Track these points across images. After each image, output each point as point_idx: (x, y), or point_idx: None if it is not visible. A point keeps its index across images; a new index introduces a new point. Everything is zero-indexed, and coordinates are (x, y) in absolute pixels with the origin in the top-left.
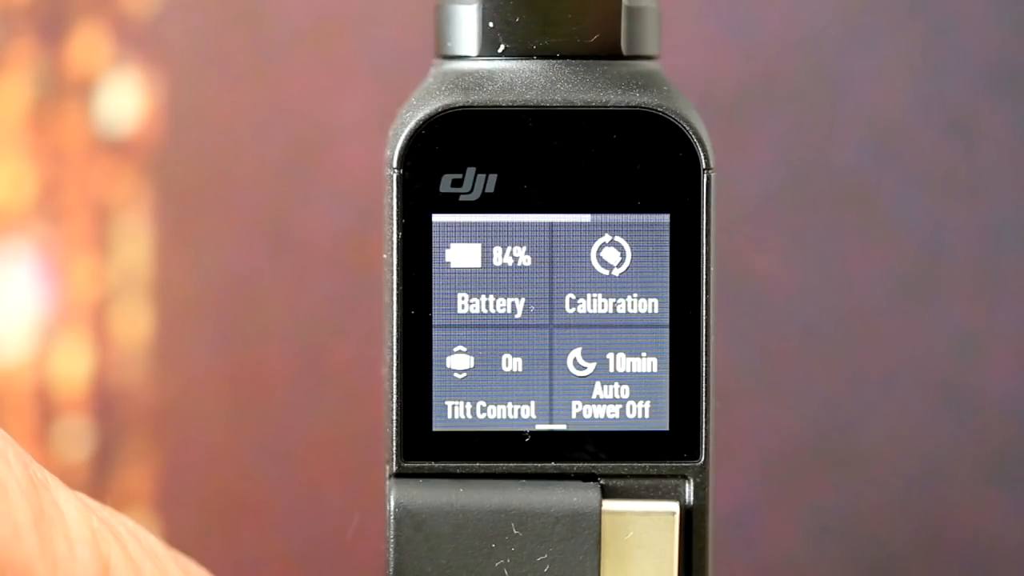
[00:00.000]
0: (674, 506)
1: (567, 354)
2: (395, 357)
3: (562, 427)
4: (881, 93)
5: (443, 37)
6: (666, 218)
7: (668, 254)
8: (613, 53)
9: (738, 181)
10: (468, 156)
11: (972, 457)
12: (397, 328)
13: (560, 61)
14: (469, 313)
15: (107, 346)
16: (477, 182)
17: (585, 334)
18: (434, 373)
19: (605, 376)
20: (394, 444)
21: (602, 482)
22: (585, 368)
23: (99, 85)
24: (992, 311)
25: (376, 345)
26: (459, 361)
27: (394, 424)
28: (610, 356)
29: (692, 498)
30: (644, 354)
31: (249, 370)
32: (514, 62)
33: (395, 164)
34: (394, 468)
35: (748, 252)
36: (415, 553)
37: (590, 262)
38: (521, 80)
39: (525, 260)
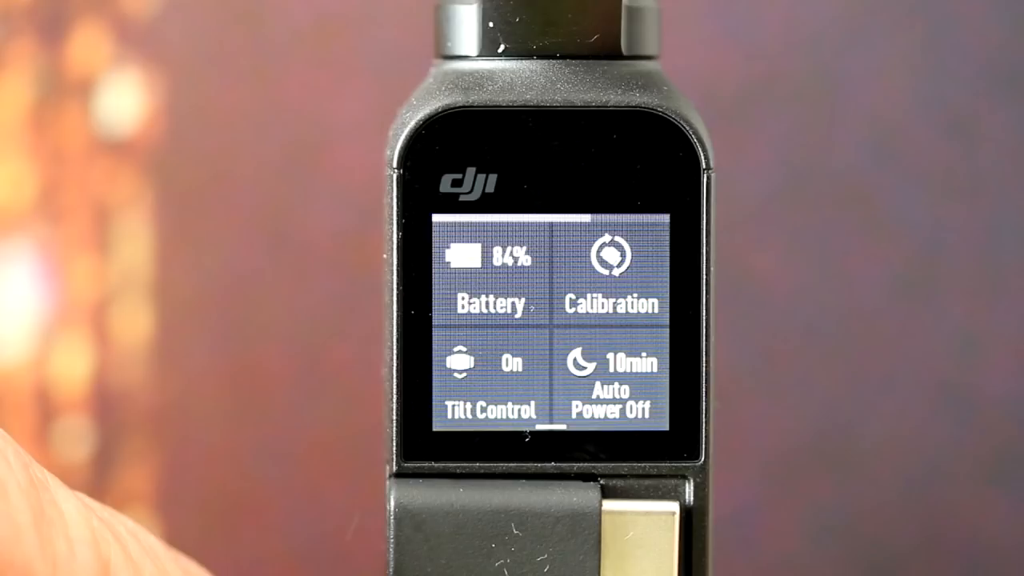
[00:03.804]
0: (674, 506)
1: (567, 354)
2: (395, 357)
3: (562, 427)
4: (881, 93)
5: (443, 37)
6: (666, 218)
7: (668, 254)
8: (613, 53)
9: (738, 181)
10: (468, 156)
11: (972, 457)
12: (397, 328)
13: (560, 61)
14: (469, 313)
15: (107, 346)
16: (477, 182)
17: (585, 334)
18: (434, 373)
19: (605, 376)
20: (394, 444)
21: (602, 482)
22: (585, 368)
23: (99, 85)
24: (992, 311)
25: (376, 345)
26: (459, 361)
27: (394, 424)
28: (610, 356)
29: (692, 498)
30: (644, 354)
31: (249, 370)
32: (514, 62)
33: (395, 164)
34: (394, 468)
35: (748, 252)
36: (415, 553)
37: (590, 262)
38: (521, 80)
39: (525, 260)
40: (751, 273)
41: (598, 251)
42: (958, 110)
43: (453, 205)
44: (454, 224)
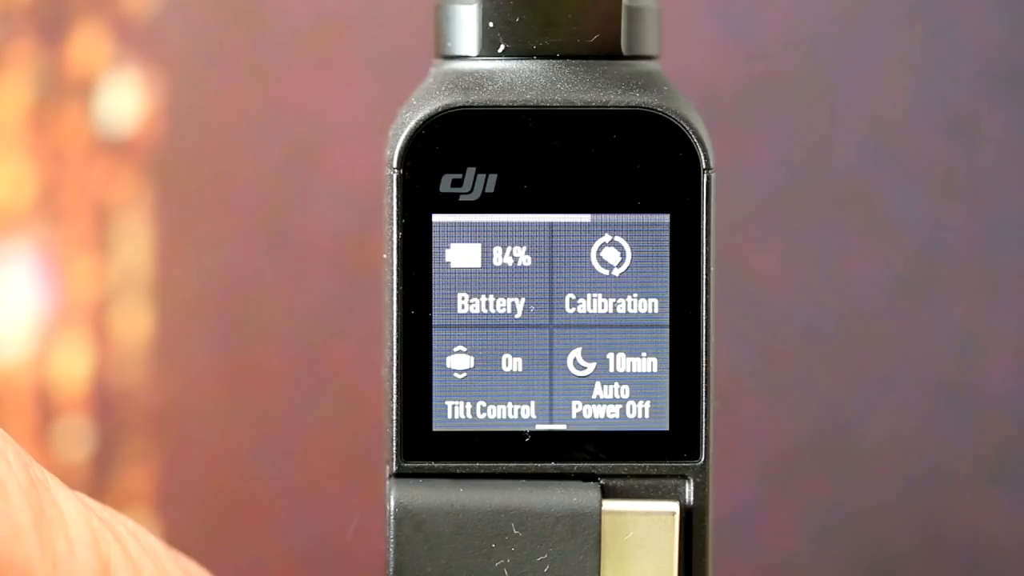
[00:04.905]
0: (674, 506)
1: (567, 354)
2: (395, 357)
3: (562, 427)
4: (881, 93)
5: (443, 37)
6: (666, 218)
7: (668, 254)
8: (613, 53)
9: (738, 181)
10: (468, 156)
11: (972, 457)
12: (397, 328)
13: (560, 61)
14: (469, 313)
15: (107, 346)
16: (477, 182)
17: (585, 334)
18: (434, 373)
19: (605, 376)
20: (394, 444)
21: (602, 482)
22: (585, 368)
23: (99, 85)
24: (992, 311)
25: (376, 345)
26: (459, 361)
27: (394, 424)
28: (610, 356)
29: (692, 498)
30: (644, 354)
31: (249, 370)
32: (514, 62)
33: (395, 164)
34: (394, 468)
35: (748, 252)
36: (415, 553)
37: (590, 262)
38: (521, 80)
39: (525, 260)
40: (751, 273)
41: (598, 251)
42: (958, 110)
43: (453, 205)
44: (454, 224)
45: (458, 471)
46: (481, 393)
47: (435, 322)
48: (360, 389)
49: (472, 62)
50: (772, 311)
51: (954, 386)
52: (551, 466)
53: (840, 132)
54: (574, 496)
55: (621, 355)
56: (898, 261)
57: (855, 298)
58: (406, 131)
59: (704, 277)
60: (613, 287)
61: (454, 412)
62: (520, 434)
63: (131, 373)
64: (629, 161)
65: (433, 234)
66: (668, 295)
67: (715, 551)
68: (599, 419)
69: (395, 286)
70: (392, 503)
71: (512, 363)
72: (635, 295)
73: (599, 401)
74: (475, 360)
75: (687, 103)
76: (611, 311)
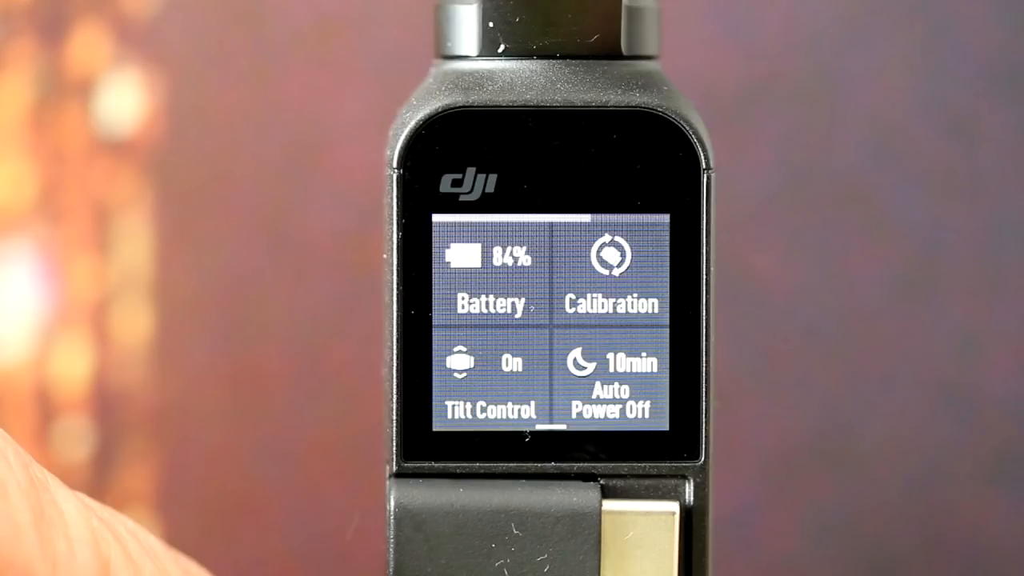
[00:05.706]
0: (674, 506)
1: (567, 354)
2: (395, 357)
3: (562, 427)
4: (881, 93)
5: (443, 37)
6: (666, 218)
7: (668, 254)
8: (613, 53)
9: (738, 181)
10: (468, 156)
11: (972, 457)
12: (397, 328)
13: (560, 61)
14: (469, 313)
15: (107, 346)
16: (477, 182)
17: (585, 334)
18: (434, 373)
19: (605, 376)
20: (394, 444)
21: (602, 482)
22: (585, 368)
23: (99, 85)
24: (992, 311)
25: (376, 345)
26: (459, 361)
27: (394, 424)
28: (610, 356)
29: (692, 498)
30: (644, 354)
31: (249, 370)
32: (514, 62)
33: (395, 164)
34: (394, 468)
35: (748, 252)
36: (415, 553)
37: (590, 262)
38: (521, 80)
39: (525, 260)
40: (751, 273)
41: (598, 251)
42: (958, 110)
43: (453, 205)
44: (454, 224)
45: (458, 471)
46: (481, 393)
47: (435, 322)
48: (360, 389)
49: (472, 62)
50: (772, 311)
51: (954, 386)
52: (551, 466)
53: (840, 132)
54: (574, 496)
55: (621, 355)
56: (898, 261)
57: (855, 298)
58: (406, 131)
59: (704, 277)
60: (613, 287)
61: (454, 412)
62: (520, 434)
63: (131, 373)
64: (629, 161)
65: (433, 234)
66: (668, 295)
67: (715, 551)
68: (599, 419)
69: (395, 286)
70: (392, 503)
71: (512, 363)
72: (635, 295)
73: (599, 401)
74: (475, 360)
75: (687, 103)
76: (611, 311)
